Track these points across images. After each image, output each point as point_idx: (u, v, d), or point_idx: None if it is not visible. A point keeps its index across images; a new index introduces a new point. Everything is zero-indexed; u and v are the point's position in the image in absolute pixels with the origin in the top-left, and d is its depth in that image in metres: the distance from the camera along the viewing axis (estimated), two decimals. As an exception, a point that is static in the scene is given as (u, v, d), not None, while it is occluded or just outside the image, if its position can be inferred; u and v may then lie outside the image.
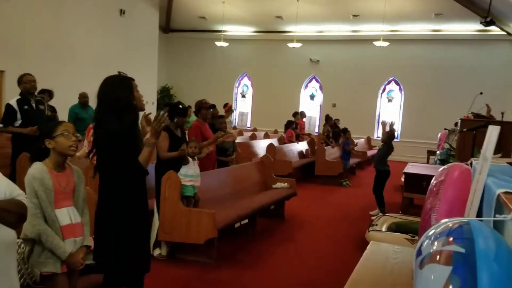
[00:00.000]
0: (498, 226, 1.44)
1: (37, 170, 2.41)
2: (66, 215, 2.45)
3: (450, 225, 1.30)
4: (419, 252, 1.20)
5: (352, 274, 2.19)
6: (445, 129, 11.02)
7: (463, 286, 0.99)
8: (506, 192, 1.39)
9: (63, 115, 7.99)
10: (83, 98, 7.86)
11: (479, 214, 1.78)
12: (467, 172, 2.17)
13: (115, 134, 2.60)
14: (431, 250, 1.13)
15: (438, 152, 9.86)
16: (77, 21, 12.55)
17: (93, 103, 7.75)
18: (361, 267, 2.31)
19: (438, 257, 1.09)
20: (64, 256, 2.38)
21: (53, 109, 7.53)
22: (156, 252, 4.62)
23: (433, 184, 2.94)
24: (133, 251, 2.71)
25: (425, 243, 1.20)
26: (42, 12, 11.43)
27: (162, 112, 2.74)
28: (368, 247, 2.68)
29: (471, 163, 2.17)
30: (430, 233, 1.29)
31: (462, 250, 1.04)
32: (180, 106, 4.89)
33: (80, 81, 11.21)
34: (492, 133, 1.87)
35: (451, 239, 1.13)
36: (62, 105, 8.46)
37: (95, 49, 13.23)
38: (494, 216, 1.44)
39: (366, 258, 2.46)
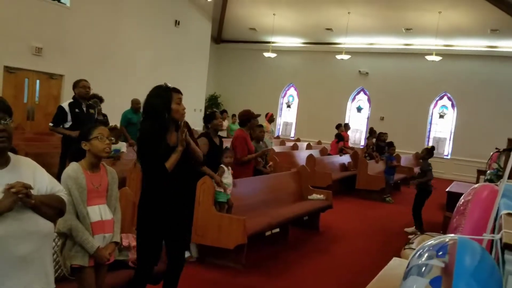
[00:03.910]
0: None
1: (72, 170, 2.61)
2: (97, 212, 2.62)
3: (447, 240, 1.32)
4: (408, 264, 1.21)
5: None
6: (496, 148, 10.49)
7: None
8: (508, 214, 1.37)
9: (116, 119, 8.41)
10: (136, 104, 8.24)
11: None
12: (495, 193, 2.12)
13: (146, 136, 2.94)
14: (417, 263, 1.15)
15: (487, 172, 9.41)
16: (133, 31, 13.20)
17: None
18: (376, 282, 2.30)
19: (423, 269, 1.11)
20: (92, 250, 2.54)
21: (105, 116, 7.90)
22: (186, 254, 4.76)
23: (461, 203, 2.87)
24: (152, 246, 2.86)
25: (416, 256, 1.22)
26: (101, 20, 12.12)
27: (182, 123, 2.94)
28: (389, 263, 2.65)
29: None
30: (426, 245, 1.31)
31: (442, 265, 1.06)
32: (207, 112, 5.10)
33: (133, 87, 11.75)
34: (512, 155, 1.85)
35: (438, 253, 1.15)
36: (115, 110, 8.90)
37: (149, 57, 13.83)
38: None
39: (383, 274, 2.44)
